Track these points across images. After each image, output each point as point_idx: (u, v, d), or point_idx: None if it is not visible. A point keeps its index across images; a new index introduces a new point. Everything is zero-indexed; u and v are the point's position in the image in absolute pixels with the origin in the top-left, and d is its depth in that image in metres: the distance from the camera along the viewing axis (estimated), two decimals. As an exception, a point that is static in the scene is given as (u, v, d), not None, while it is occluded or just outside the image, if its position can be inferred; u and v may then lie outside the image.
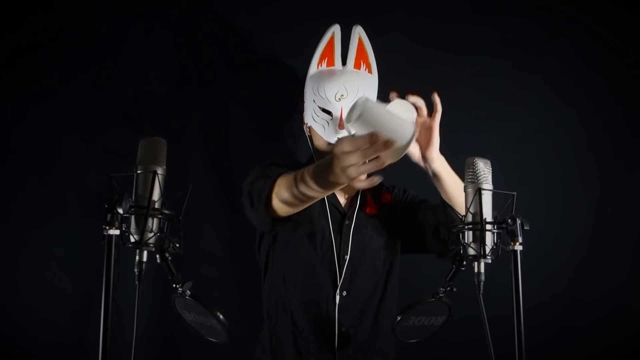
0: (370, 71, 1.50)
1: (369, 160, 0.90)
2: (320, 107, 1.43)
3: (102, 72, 1.71)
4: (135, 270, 1.05)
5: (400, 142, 0.90)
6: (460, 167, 1.17)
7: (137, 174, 1.07)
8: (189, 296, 1.11)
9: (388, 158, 0.89)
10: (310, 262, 1.42)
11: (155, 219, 1.05)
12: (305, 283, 1.42)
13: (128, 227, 1.04)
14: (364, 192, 1.48)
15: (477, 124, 1.80)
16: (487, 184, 1.13)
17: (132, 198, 1.04)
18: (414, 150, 1.22)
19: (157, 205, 1.05)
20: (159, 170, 1.07)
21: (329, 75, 1.45)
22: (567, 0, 1.81)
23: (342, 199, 1.49)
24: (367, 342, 1.41)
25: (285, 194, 1.11)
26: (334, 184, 0.99)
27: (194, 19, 1.78)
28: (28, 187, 1.66)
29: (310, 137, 1.50)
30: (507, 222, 1.06)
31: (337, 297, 1.39)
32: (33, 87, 1.67)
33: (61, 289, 1.64)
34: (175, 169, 1.43)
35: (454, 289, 1.15)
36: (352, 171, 0.91)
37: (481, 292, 1.09)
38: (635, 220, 1.78)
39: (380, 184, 1.53)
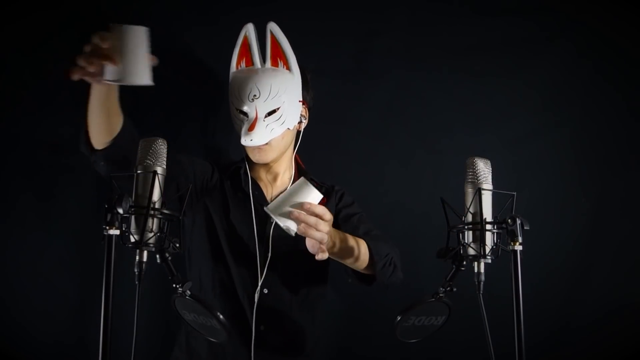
0: (288, 68, 1.44)
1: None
2: (237, 109, 1.40)
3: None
4: (135, 270, 1.05)
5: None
6: (460, 167, 1.17)
7: (137, 174, 1.07)
8: (189, 296, 1.11)
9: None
10: (230, 257, 1.40)
11: (155, 219, 1.05)
12: (224, 279, 1.40)
13: (128, 227, 1.04)
14: None
15: (477, 124, 1.80)
16: (487, 184, 1.13)
17: (132, 198, 1.04)
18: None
19: (157, 205, 1.05)
20: (159, 170, 1.07)
21: (245, 75, 1.42)
22: (567, -1, 1.82)
23: (268, 195, 1.47)
24: (288, 342, 1.40)
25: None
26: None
27: (193, 19, 1.78)
28: (28, 187, 1.66)
29: None
30: (507, 222, 1.06)
31: (257, 295, 1.36)
32: (32, 86, 1.67)
33: (61, 289, 1.64)
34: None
35: (454, 289, 1.15)
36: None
37: (481, 292, 1.09)
38: (635, 220, 1.78)
39: (315, 184, 1.49)
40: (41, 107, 1.67)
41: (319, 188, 1.46)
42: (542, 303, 1.68)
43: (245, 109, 1.38)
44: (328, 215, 1.17)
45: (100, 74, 1.07)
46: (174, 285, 1.11)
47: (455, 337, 1.62)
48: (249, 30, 1.45)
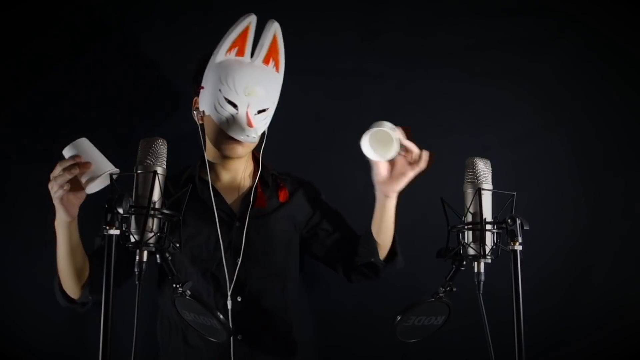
0: (277, 69, 1.42)
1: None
2: (225, 98, 1.33)
3: (101, 71, 1.71)
4: (135, 270, 1.05)
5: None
6: (461, 167, 1.17)
7: (137, 174, 1.07)
8: (189, 296, 1.11)
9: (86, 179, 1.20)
10: (197, 271, 1.35)
11: (155, 219, 1.05)
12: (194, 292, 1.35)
13: (128, 227, 1.04)
14: (256, 190, 1.43)
15: (477, 124, 1.80)
16: (487, 184, 1.13)
17: (132, 198, 1.04)
18: (383, 173, 1.34)
19: (157, 205, 1.05)
20: (159, 170, 1.07)
21: (239, 65, 1.36)
22: (567, -1, 1.82)
23: (230, 201, 1.43)
24: (267, 348, 1.37)
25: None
26: (59, 220, 1.28)
27: (194, 18, 1.78)
28: (28, 187, 1.66)
29: (203, 125, 1.42)
30: (506, 222, 1.06)
31: (229, 304, 1.32)
32: (33, 87, 1.68)
33: (61, 289, 1.64)
34: (175, 169, 1.43)
35: (454, 289, 1.15)
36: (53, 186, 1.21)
37: (481, 292, 1.09)
38: (635, 221, 1.78)
39: (277, 180, 1.48)
40: (42, 107, 1.67)
41: (287, 187, 1.49)
42: (542, 303, 1.67)
43: (237, 101, 1.34)
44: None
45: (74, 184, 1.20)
46: (174, 285, 1.11)
47: (455, 337, 1.62)
48: (253, 21, 1.39)
